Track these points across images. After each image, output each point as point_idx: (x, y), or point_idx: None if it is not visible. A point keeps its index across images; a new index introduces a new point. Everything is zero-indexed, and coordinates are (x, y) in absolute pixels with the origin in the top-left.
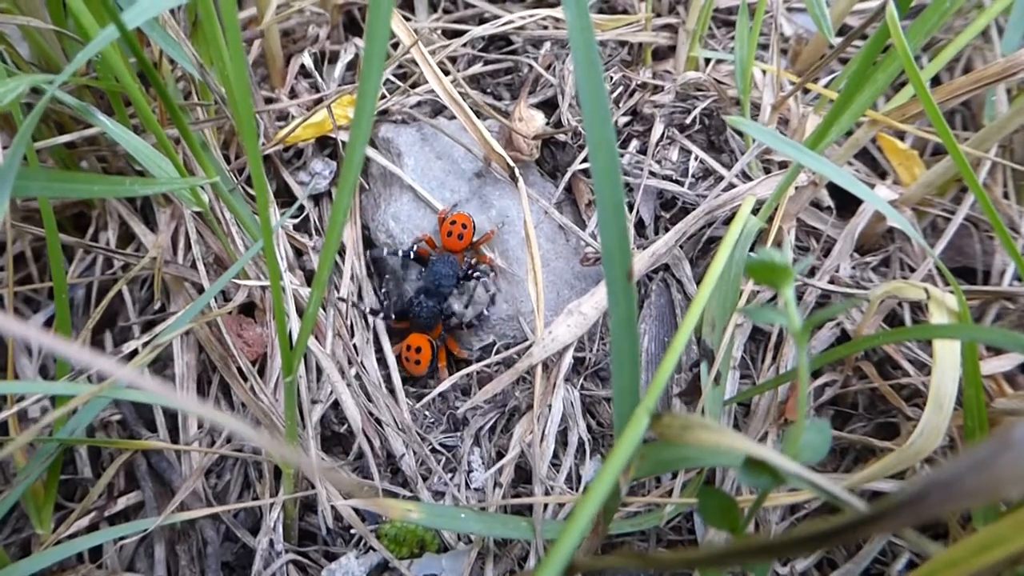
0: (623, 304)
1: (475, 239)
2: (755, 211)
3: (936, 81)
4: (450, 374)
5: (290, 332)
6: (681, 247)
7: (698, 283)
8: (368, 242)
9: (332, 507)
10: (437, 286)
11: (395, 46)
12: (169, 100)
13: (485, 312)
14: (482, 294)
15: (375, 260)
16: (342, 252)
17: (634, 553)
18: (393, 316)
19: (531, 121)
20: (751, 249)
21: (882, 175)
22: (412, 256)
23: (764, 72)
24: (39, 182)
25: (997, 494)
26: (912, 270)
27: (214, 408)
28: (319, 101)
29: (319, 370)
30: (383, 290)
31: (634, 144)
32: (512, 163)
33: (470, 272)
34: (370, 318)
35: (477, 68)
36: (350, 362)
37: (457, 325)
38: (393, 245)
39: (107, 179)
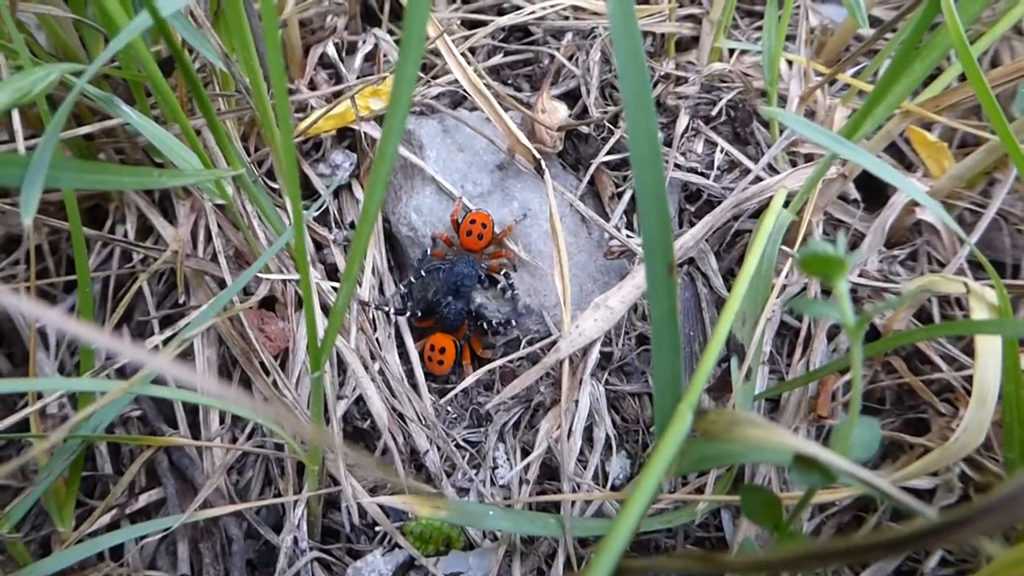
0: (665, 298)
1: (495, 235)
2: (784, 204)
3: (962, 78)
4: (479, 363)
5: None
6: (707, 241)
7: (724, 277)
8: (388, 235)
9: (357, 504)
10: (459, 287)
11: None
12: (199, 88)
13: (512, 321)
14: (507, 299)
15: (401, 265)
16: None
17: (696, 555)
18: (419, 313)
19: (554, 113)
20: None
21: (909, 167)
22: (427, 268)
23: (790, 63)
24: (70, 173)
25: None
26: (941, 264)
27: (236, 405)
28: (339, 92)
29: (341, 365)
30: (404, 283)
31: (658, 136)
32: (537, 154)
33: (493, 274)
34: (392, 314)
35: (497, 59)
36: (373, 357)
37: (484, 329)
38: (417, 245)
39: (135, 170)
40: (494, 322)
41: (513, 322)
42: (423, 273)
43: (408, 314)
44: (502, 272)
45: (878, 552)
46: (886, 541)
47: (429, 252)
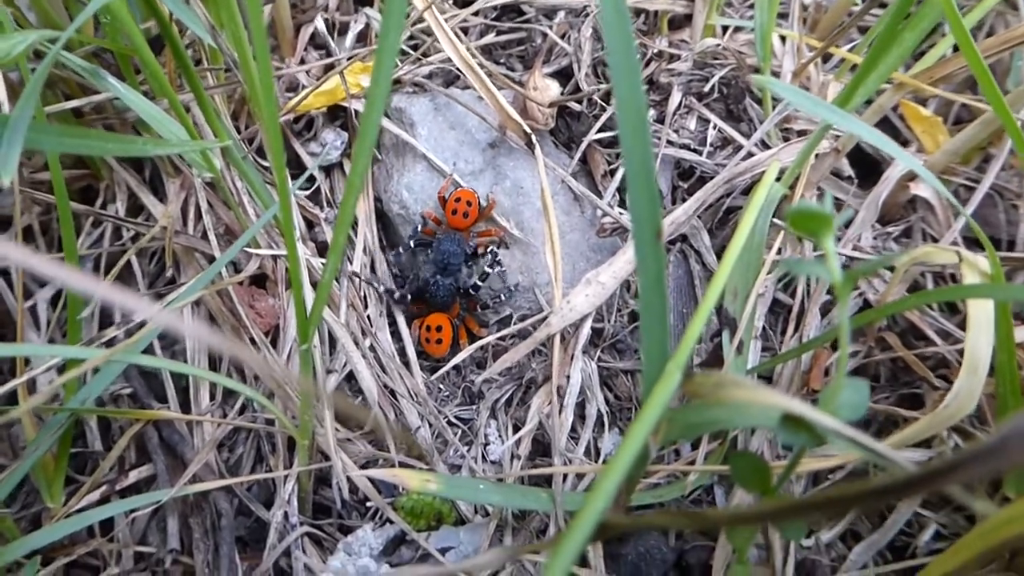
0: (652, 264)
1: (481, 211)
2: (777, 180)
3: (956, 50)
4: (470, 340)
5: (304, 302)
6: (699, 217)
7: (717, 254)
8: (380, 214)
9: (348, 479)
10: (446, 265)
11: (406, 17)
12: (184, 60)
13: (502, 297)
14: (494, 273)
15: (393, 244)
16: (354, 225)
17: (679, 512)
18: (409, 297)
19: (546, 90)
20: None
21: (904, 144)
22: (417, 242)
23: (784, 39)
24: (51, 136)
25: None
26: (935, 240)
27: (227, 378)
28: (329, 69)
29: (333, 341)
30: (393, 253)
31: (651, 113)
32: (528, 130)
33: (479, 251)
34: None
35: (489, 38)
36: (364, 333)
37: (475, 305)
38: (408, 223)
39: (120, 137)
40: (483, 296)
41: (502, 297)
42: (412, 245)
43: (398, 295)
44: (488, 249)
45: (857, 502)
46: (866, 491)
47: (420, 229)
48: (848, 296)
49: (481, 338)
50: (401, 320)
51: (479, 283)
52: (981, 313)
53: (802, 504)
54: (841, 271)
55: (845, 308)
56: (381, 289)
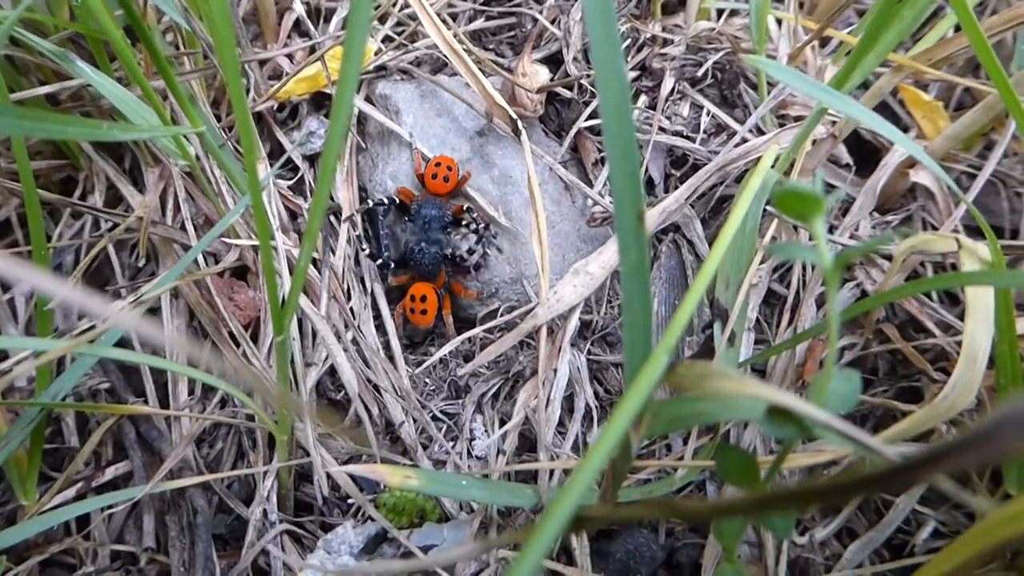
0: (635, 250)
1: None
2: (771, 167)
3: (957, 30)
4: (457, 332)
5: (282, 294)
6: (692, 206)
7: (710, 243)
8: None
9: (328, 475)
10: (426, 229)
11: (393, 4)
12: (152, 45)
13: (487, 253)
14: (475, 238)
15: (369, 216)
16: (338, 214)
17: (657, 501)
18: (393, 265)
19: (535, 76)
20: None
21: (903, 130)
22: (396, 203)
23: (780, 23)
24: (9, 119)
25: None
26: (935, 229)
27: (205, 372)
28: (312, 51)
29: (315, 334)
30: (382, 239)
31: (643, 100)
32: (515, 116)
33: (459, 219)
34: (368, 282)
35: (479, 24)
36: (347, 326)
37: (461, 269)
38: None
39: (83, 121)
40: (468, 259)
41: (488, 253)
42: (384, 200)
43: (380, 261)
44: (465, 208)
45: (842, 493)
46: (851, 481)
47: (396, 199)
48: (837, 281)
49: (471, 302)
50: (386, 311)
51: (472, 249)
52: (980, 301)
53: (784, 495)
54: (833, 257)
55: (834, 293)
56: (366, 252)
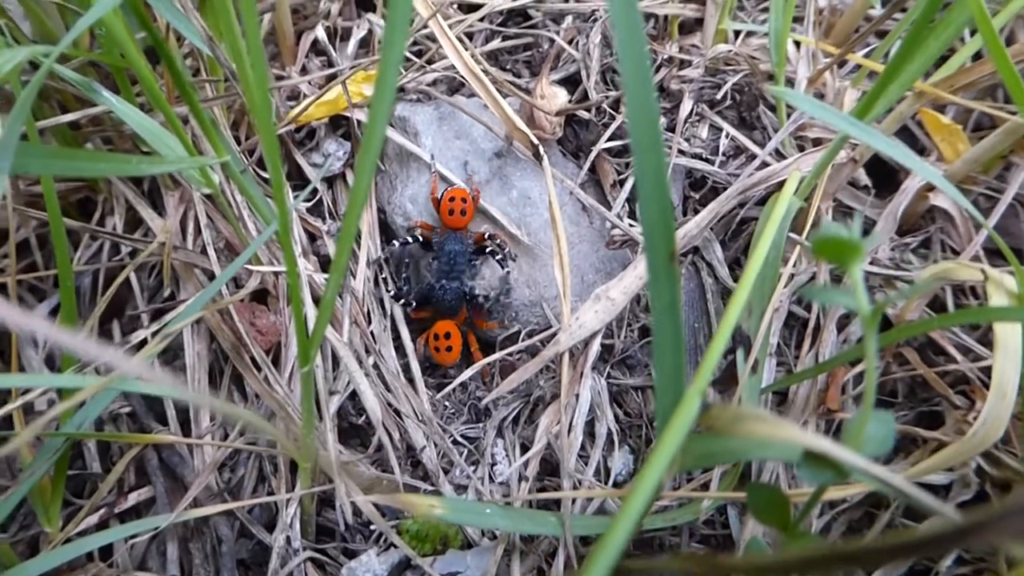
0: (666, 289)
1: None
2: None
3: (976, 57)
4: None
5: (306, 319)
6: (711, 229)
7: (729, 266)
8: (384, 226)
9: (351, 502)
10: (452, 265)
11: (411, 22)
12: (178, 72)
13: (508, 289)
14: (499, 268)
15: (390, 253)
16: (357, 238)
17: (698, 557)
18: (414, 304)
19: (553, 98)
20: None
21: (921, 152)
22: (416, 241)
23: (798, 45)
24: (40, 159)
25: None
26: (955, 252)
27: (226, 400)
28: (332, 78)
29: (335, 360)
30: (403, 276)
31: (662, 122)
32: (536, 140)
33: (483, 246)
34: (387, 305)
35: (495, 44)
36: (367, 351)
37: (483, 304)
38: (402, 235)
39: (112, 157)
40: (490, 296)
41: (508, 289)
42: (409, 240)
43: (403, 301)
44: (487, 236)
45: (892, 556)
46: (901, 544)
47: (417, 237)
48: (875, 329)
49: (493, 333)
50: (406, 334)
51: (481, 285)
52: (1009, 336)
53: (832, 555)
54: (871, 303)
55: (872, 341)
56: (389, 292)
